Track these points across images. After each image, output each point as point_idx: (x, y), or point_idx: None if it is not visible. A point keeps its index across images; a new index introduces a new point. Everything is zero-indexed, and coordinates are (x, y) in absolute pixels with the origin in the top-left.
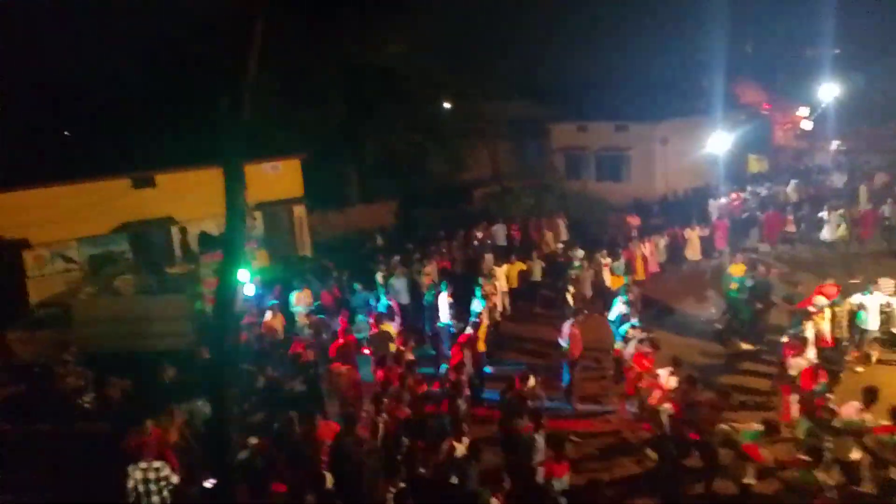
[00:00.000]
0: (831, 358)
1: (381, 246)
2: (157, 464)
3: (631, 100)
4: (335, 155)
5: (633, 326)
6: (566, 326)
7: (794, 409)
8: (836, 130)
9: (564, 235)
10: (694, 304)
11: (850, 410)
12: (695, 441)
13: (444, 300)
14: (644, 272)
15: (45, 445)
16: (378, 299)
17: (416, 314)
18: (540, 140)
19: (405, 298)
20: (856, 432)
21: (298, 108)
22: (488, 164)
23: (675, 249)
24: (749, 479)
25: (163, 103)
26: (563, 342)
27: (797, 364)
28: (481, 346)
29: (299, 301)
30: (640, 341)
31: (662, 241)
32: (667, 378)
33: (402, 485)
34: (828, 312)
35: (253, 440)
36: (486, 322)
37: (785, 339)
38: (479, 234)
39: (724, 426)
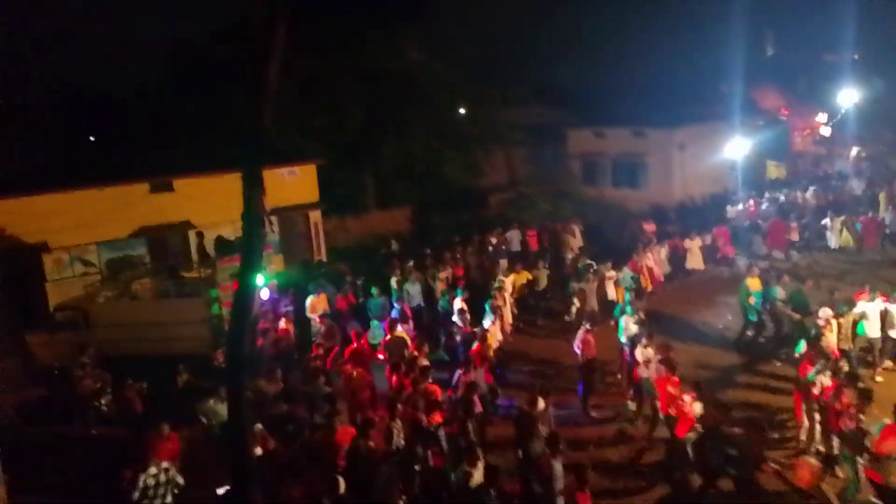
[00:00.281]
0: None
1: (397, 251)
2: (165, 464)
3: (649, 105)
4: (352, 160)
5: (645, 346)
6: (580, 333)
7: (813, 424)
8: (856, 136)
9: (580, 242)
10: (702, 315)
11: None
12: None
13: (458, 305)
14: (651, 283)
15: (62, 447)
16: (393, 304)
17: (431, 319)
18: (557, 146)
19: (420, 304)
20: None
21: (316, 114)
22: (505, 170)
23: (676, 260)
24: None
25: (181, 109)
26: (577, 349)
27: (820, 381)
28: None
29: (314, 306)
30: (659, 360)
31: (663, 251)
32: (691, 404)
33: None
34: (835, 324)
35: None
36: (497, 337)
37: (800, 353)
38: (494, 240)
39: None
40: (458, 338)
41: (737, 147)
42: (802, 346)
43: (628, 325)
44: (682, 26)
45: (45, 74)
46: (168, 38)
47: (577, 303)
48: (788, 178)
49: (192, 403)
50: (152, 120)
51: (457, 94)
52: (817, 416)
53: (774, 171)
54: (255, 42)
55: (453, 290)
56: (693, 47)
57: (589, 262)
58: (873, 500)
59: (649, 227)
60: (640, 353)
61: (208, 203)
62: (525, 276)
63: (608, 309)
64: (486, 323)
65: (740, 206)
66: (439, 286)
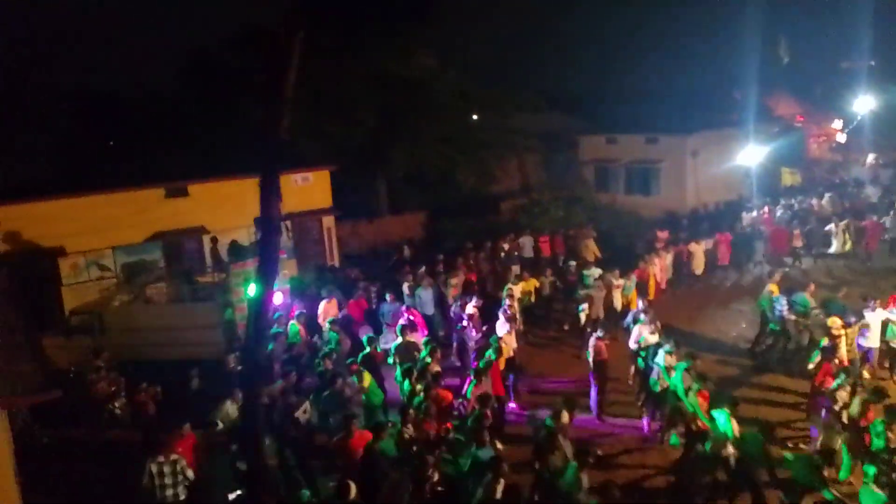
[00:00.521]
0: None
1: (409, 257)
2: (174, 456)
3: (662, 111)
4: (365, 166)
5: (668, 353)
6: (592, 339)
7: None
8: (872, 143)
9: (597, 248)
10: (715, 324)
11: None
12: None
13: (469, 311)
14: (655, 291)
15: (76, 450)
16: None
17: (443, 325)
18: (569, 152)
19: (431, 309)
20: None
21: (329, 120)
22: (517, 176)
23: (680, 265)
24: None
25: (196, 114)
26: (590, 356)
27: (841, 397)
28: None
29: (325, 312)
30: (687, 370)
31: (669, 257)
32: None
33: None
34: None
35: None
36: (512, 345)
37: (813, 364)
38: (507, 246)
39: None
40: (470, 343)
41: (751, 154)
42: (817, 357)
43: (644, 334)
44: (695, 33)
45: (61, 80)
46: (184, 45)
47: (584, 309)
48: (804, 185)
49: (203, 408)
50: (168, 125)
51: (469, 101)
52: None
53: (790, 178)
54: (269, 49)
55: (465, 296)
56: (707, 54)
57: (595, 269)
58: None
59: (663, 234)
60: (663, 359)
61: (223, 208)
62: (533, 284)
63: (613, 318)
64: (502, 332)
65: (755, 214)
66: (451, 292)
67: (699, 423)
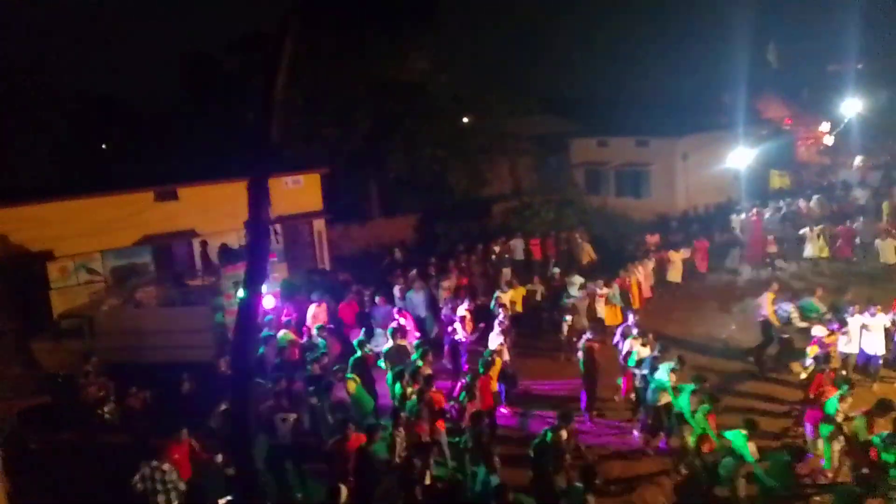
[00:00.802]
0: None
1: (400, 260)
2: (165, 466)
3: (652, 115)
4: (358, 169)
5: (672, 370)
6: (582, 341)
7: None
8: (860, 146)
9: (592, 252)
10: (707, 329)
11: None
12: None
13: (461, 313)
14: (639, 300)
15: (65, 455)
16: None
17: (435, 328)
18: (560, 155)
19: (423, 312)
20: None
21: (323, 123)
22: (508, 179)
23: (661, 273)
24: None
25: (186, 118)
26: (580, 358)
27: (843, 409)
28: (494, 386)
29: (315, 316)
30: (695, 392)
31: (651, 265)
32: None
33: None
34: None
35: None
36: (505, 357)
37: (805, 370)
38: (498, 249)
39: None
40: (460, 346)
41: (740, 157)
42: (809, 367)
43: (636, 349)
44: (685, 37)
45: (53, 83)
46: (177, 50)
47: (568, 321)
48: (793, 188)
49: (195, 411)
50: (157, 129)
51: (462, 105)
52: (837, 444)
53: (778, 180)
54: (263, 54)
55: (457, 299)
56: (697, 58)
57: (578, 277)
58: None
59: (652, 239)
60: (667, 376)
61: (212, 211)
62: (521, 292)
63: (599, 327)
64: (495, 344)
65: (744, 216)
66: (443, 295)
67: (710, 444)
